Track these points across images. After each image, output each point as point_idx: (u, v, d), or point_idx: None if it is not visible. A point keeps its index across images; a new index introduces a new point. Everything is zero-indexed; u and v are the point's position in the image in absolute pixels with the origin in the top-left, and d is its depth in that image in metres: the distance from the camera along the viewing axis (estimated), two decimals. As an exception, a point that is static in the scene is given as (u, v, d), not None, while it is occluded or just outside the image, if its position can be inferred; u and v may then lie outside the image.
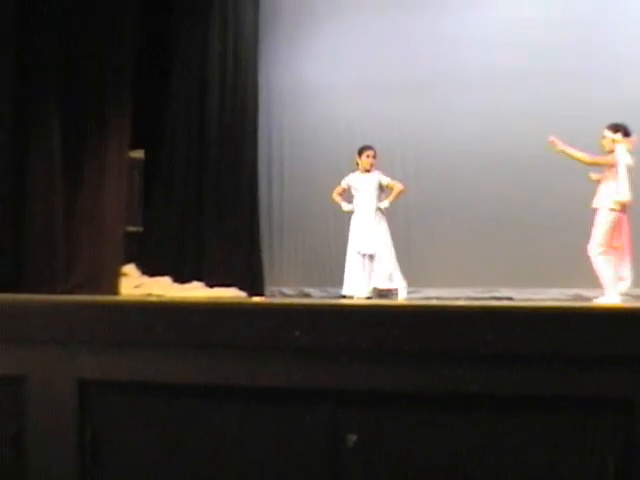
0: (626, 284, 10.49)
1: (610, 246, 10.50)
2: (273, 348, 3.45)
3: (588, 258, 10.70)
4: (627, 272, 10.51)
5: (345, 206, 11.90)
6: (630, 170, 10.49)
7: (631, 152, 10.61)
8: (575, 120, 11.88)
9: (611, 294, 10.36)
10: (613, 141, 10.63)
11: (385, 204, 11.78)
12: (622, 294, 10.46)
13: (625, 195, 10.41)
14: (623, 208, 10.52)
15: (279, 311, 3.65)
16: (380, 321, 3.37)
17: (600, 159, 10.74)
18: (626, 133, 10.69)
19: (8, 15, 10.27)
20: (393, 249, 11.66)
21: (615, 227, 10.50)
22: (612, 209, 10.48)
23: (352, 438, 3.32)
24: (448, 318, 3.34)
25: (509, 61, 12.91)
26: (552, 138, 10.85)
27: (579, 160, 10.75)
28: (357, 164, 11.94)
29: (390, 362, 3.31)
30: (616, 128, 10.70)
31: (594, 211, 10.62)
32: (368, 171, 11.81)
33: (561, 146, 10.81)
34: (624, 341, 3.11)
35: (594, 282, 10.88)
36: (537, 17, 12.83)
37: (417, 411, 3.31)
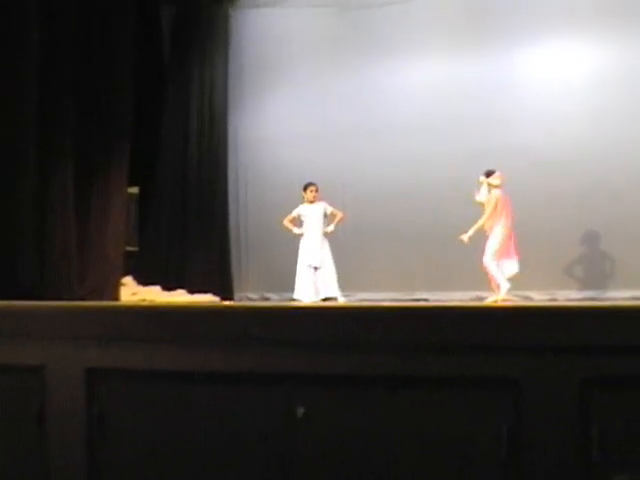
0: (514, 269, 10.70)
1: (500, 254, 10.67)
2: (240, 341, 3.45)
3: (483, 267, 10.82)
4: (515, 266, 10.70)
5: (296, 230, 11.96)
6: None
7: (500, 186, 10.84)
8: (476, 161, 11.90)
9: (503, 291, 10.52)
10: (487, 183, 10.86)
11: (330, 228, 11.85)
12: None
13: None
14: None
15: (243, 312, 3.65)
16: (322, 318, 3.38)
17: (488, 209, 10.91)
18: (489, 174, 10.89)
19: (31, 76, 10.22)
20: (334, 264, 11.75)
21: (505, 238, 10.68)
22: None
23: (301, 410, 3.33)
24: (377, 316, 3.35)
25: (430, 113, 12.95)
26: (462, 238, 10.92)
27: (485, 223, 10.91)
28: (303, 197, 12.01)
29: (330, 351, 3.31)
30: (487, 173, 10.91)
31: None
32: (312, 202, 11.89)
33: (470, 234, 10.92)
34: (512, 333, 3.14)
35: (489, 286, 10.97)
36: (460, 76, 12.83)
37: (351, 390, 3.32)
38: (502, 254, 10.72)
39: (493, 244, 10.72)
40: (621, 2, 12.02)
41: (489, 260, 10.69)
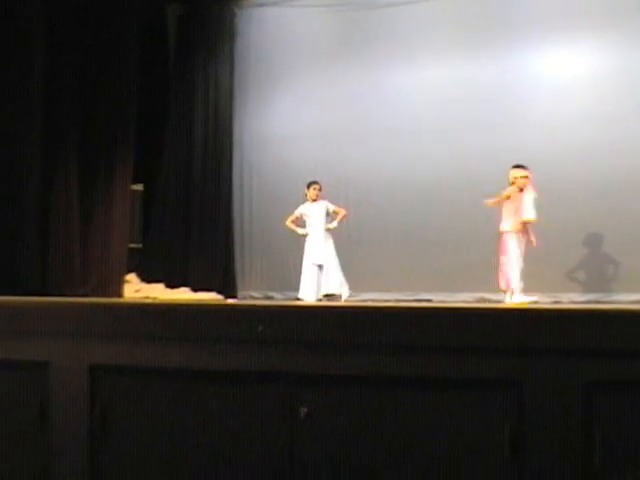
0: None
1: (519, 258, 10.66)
2: (243, 340, 3.45)
3: (489, 269, 10.80)
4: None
5: (300, 230, 12.00)
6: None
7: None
8: (480, 163, 11.95)
9: (520, 295, 10.53)
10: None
11: (334, 224, 11.92)
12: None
13: (531, 215, 10.61)
14: (524, 227, 10.66)
15: (247, 310, 3.65)
16: (326, 318, 3.38)
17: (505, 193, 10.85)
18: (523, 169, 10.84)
19: (36, 81, 10.25)
20: (338, 261, 11.78)
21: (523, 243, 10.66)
22: (519, 230, 10.63)
23: (303, 410, 3.33)
24: (380, 316, 3.35)
25: (433, 114, 12.93)
26: (487, 202, 10.91)
27: (503, 199, 10.82)
28: (305, 195, 12.05)
29: (333, 351, 3.32)
30: (517, 167, 10.86)
31: (496, 232, 10.76)
32: (315, 200, 11.93)
33: (492, 202, 10.88)
34: (516, 335, 3.14)
35: (493, 288, 10.96)
36: (461, 78, 12.82)
37: (353, 389, 3.32)
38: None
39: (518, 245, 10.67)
40: (624, 6, 12.00)
41: (516, 260, 10.62)
